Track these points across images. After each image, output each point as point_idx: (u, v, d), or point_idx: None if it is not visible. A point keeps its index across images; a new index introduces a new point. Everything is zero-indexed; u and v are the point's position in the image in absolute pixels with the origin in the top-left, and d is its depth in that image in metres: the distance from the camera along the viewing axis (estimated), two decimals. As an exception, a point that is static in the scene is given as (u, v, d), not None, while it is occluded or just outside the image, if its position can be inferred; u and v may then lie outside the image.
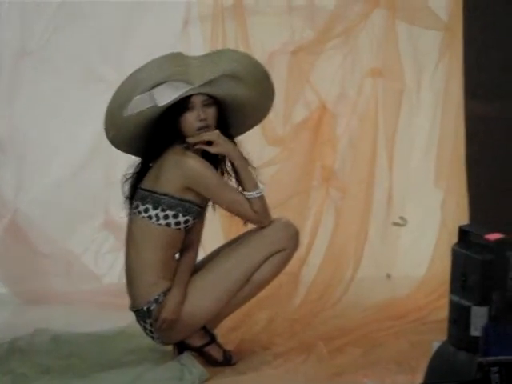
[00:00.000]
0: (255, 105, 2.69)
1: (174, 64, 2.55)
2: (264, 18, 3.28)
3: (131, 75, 2.55)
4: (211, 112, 2.61)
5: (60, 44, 3.35)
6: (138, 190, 2.65)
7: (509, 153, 3.39)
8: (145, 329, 2.67)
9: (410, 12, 3.31)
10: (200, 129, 2.59)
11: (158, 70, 2.54)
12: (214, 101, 2.61)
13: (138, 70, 2.54)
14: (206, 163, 2.61)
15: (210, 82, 2.58)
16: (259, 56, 3.12)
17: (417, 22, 3.30)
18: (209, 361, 2.70)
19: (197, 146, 2.61)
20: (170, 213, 2.60)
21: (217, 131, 2.61)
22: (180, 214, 2.61)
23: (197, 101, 2.58)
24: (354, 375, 2.60)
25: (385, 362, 2.69)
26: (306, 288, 3.21)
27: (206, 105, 2.60)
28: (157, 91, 2.55)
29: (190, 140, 2.60)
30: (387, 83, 3.32)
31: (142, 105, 2.56)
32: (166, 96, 2.55)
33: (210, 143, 2.62)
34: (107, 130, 2.61)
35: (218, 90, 2.60)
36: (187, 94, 2.56)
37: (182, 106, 2.58)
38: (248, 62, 2.62)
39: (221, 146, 2.61)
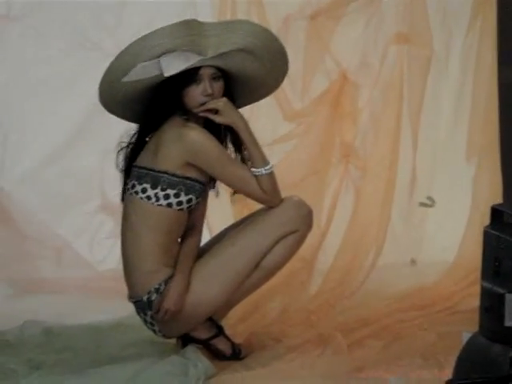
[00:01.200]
0: (266, 80, 2.65)
1: (186, 32, 2.50)
2: None
3: (138, 40, 2.50)
4: (218, 86, 2.57)
5: (48, 9, 3.33)
6: (132, 169, 2.61)
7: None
8: (145, 321, 2.65)
9: (439, -31, 3.28)
10: (204, 104, 2.55)
11: (169, 38, 2.49)
12: (223, 74, 2.57)
13: (146, 36, 2.49)
14: (209, 135, 2.57)
15: (222, 55, 2.54)
16: (273, 21, 3.12)
17: None
18: (216, 355, 2.68)
19: (201, 114, 2.56)
20: (170, 192, 2.56)
21: (224, 99, 2.56)
22: (182, 193, 2.56)
23: (205, 73, 2.55)
24: (376, 370, 2.57)
25: (409, 356, 2.66)
26: (323, 276, 3.19)
27: (214, 78, 2.56)
28: (164, 60, 2.51)
29: (195, 109, 2.55)
30: (414, 50, 3.28)
31: (146, 72, 2.52)
32: (173, 66, 2.50)
33: (215, 113, 2.57)
34: (101, 94, 2.57)
35: (229, 64, 2.57)
36: (198, 65, 2.52)
37: (188, 77, 2.53)
38: (266, 37, 2.58)
39: (227, 115, 2.56)
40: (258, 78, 2.62)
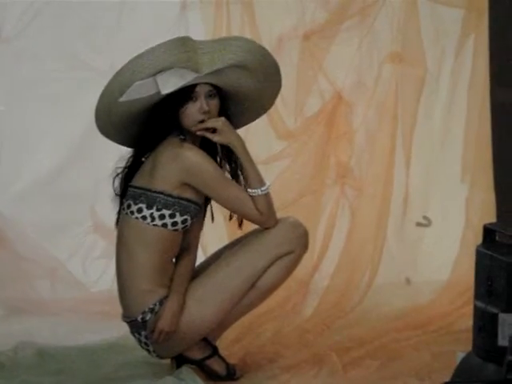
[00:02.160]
0: (259, 98, 2.66)
1: (181, 49, 2.52)
2: None
3: (134, 59, 2.51)
4: (214, 104, 2.58)
5: (41, 30, 3.32)
6: (128, 189, 2.62)
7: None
8: (139, 341, 2.64)
9: (432, -12, 3.30)
10: (201, 122, 2.56)
11: (164, 56, 2.50)
12: (218, 92, 2.58)
13: (143, 54, 2.51)
14: (206, 155, 2.58)
15: (217, 72, 2.55)
16: (267, 40, 3.13)
17: None
18: (210, 375, 2.68)
19: (199, 133, 2.57)
20: (166, 212, 2.56)
21: (223, 118, 2.58)
22: (177, 214, 2.57)
23: (201, 91, 2.56)
24: None
25: (404, 376, 2.66)
26: (319, 296, 3.19)
27: (210, 95, 2.57)
28: (161, 78, 2.51)
29: (194, 128, 2.56)
30: (407, 69, 3.29)
31: (142, 91, 2.52)
32: (170, 84, 2.51)
33: (213, 132, 2.58)
34: (97, 116, 2.57)
35: (224, 80, 2.58)
36: (194, 83, 2.54)
37: (184, 95, 2.54)
38: (260, 53, 2.60)
39: (225, 134, 2.57)
40: (252, 95, 2.63)
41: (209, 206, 2.71)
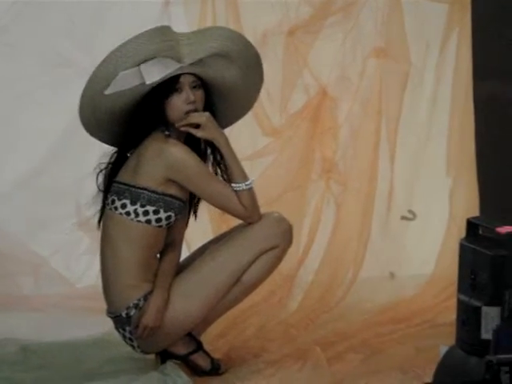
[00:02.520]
0: (243, 92, 2.66)
1: (163, 38, 2.51)
2: None
3: (117, 48, 2.50)
4: (199, 95, 2.58)
5: (22, 27, 3.30)
6: (113, 184, 2.61)
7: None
8: (124, 337, 2.64)
9: (415, -18, 3.30)
10: (188, 112, 2.56)
11: (147, 44, 2.49)
12: (202, 83, 2.58)
13: (124, 44, 2.50)
14: (190, 151, 2.58)
15: (199, 62, 2.55)
16: (251, 36, 3.09)
17: None
18: (195, 370, 2.68)
19: (183, 129, 2.57)
20: (150, 208, 2.56)
21: (207, 113, 2.57)
22: (161, 210, 2.57)
23: (185, 81, 2.55)
24: None
25: (388, 370, 2.67)
26: (303, 291, 3.19)
27: (194, 87, 2.57)
28: (144, 67, 2.51)
29: (177, 124, 2.56)
30: (391, 64, 3.30)
31: (127, 82, 2.51)
32: (154, 73, 2.51)
33: (197, 127, 2.57)
34: (82, 111, 2.56)
35: (207, 72, 2.58)
36: (177, 73, 2.53)
37: (169, 86, 2.54)
38: (241, 41, 2.60)
39: (209, 130, 2.57)
40: (236, 88, 2.63)
41: (194, 203, 2.70)
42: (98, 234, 2.67)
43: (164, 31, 2.52)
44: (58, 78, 3.29)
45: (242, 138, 3.06)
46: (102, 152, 2.65)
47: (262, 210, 2.64)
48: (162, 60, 2.52)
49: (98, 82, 2.52)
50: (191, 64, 2.55)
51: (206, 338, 2.76)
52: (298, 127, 3.29)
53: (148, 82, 2.51)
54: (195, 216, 2.72)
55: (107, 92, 2.52)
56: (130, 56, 2.50)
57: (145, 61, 2.51)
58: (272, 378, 2.65)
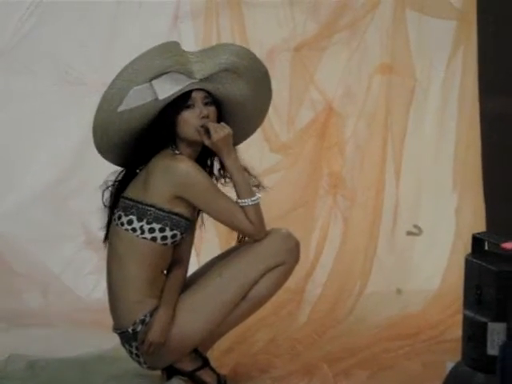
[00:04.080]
0: (252, 108, 2.67)
1: (173, 53, 2.52)
2: (262, 10, 3.27)
3: (127, 66, 2.51)
4: (212, 110, 2.59)
5: (34, 44, 3.33)
6: (120, 200, 2.61)
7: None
8: (130, 353, 2.64)
9: (420, 0, 3.29)
10: (202, 127, 2.56)
11: (158, 59, 2.51)
12: (213, 100, 2.59)
13: (135, 61, 2.51)
14: (198, 167, 2.58)
15: (210, 79, 2.57)
16: (258, 53, 3.09)
17: (428, 10, 3.29)
18: None
19: (195, 137, 2.56)
20: (156, 226, 2.56)
21: (230, 129, 2.55)
22: (167, 228, 2.57)
23: (197, 97, 2.57)
24: None
25: None
26: (311, 306, 3.19)
27: (206, 103, 2.58)
28: (157, 83, 2.52)
29: (193, 135, 2.55)
30: (397, 80, 3.30)
31: (140, 98, 2.52)
32: (166, 88, 2.52)
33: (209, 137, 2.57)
34: (95, 132, 2.56)
35: (218, 87, 2.59)
36: (189, 89, 2.55)
37: (182, 102, 2.55)
38: (249, 57, 2.62)
39: (221, 142, 2.55)
40: (245, 104, 2.64)
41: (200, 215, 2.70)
42: (105, 253, 2.67)
43: (173, 47, 2.53)
44: (70, 96, 3.32)
45: (249, 153, 3.06)
46: (112, 170, 2.66)
47: (270, 226, 2.64)
48: (173, 75, 2.53)
49: (111, 100, 2.52)
50: (202, 80, 2.56)
51: (213, 354, 2.76)
52: (305, 143, 3.30)
53: (161, 98, 2.52)
54: (201, 223, 2.70)
55: (120, 109, 2.52)
56: (141, 72, 2.51)
57: (156, 76, 2.52)
58: None
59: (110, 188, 2.64)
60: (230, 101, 2.63)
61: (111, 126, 2.55)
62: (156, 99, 2.53)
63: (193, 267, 2.76)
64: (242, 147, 2.86)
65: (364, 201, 3.29)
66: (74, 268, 3.40)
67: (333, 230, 3.31)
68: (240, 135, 2.69)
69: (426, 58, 3.35)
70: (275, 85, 2.74)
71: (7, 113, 3.39)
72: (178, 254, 2.66)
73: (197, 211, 2.65)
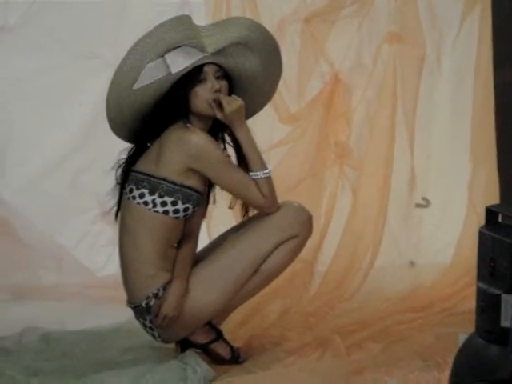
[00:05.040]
0: (263, 81, 2.67)
1: (185, 26, 2.52)
2: None
3: (139, 40, 2.51)
4: (224, 84, 2.59)
5: (44, 20, 3.33)
6: (131, 173, 2.61)
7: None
8: (144, 326, 2.65)
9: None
10: (214, 101, 2.56)
11: (170, 33, 2.50)
12: (224, 74, 2.59)
13: (148, 35, 2.50)
14: (211, 139, 2.59)
15: (222, 52, 2.56)
16: (268, 24, 3.09)
17: None
18: (215, 359, 2.69)
19: (207, 112, 2.56)
20: (168, 199, 2.57)
21: (242, 102, 2.55)
22: (179, 202, 2.57)
23: (209, 71, 2.57)
24: (375, 373, 2.58)
25: (408, 358, 2.67)
26: (321, 277, 3.19)
27: (218, 77, 2.58)
28: (170, 57, 2.52)
29: (205, 109, 2.55)
30: (406, 49, 3.29)
31: (154, 74, 2.52)
32: (179, 62, 2.52)
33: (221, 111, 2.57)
34: (109, 109, 2.56)
35: (229, 61, 2.59)
36: (201, 63, 2.54)
37: (194, 76, 2.55)
38: (260, 30, 2.62)
39: (233, 115, 2.55)
40: (256, 77, 2.64)
41: (212, 192, 2.71)
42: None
43: (185, 20, 2.53)
44: (83, 70, 3.32)
45: (259, 124, 3.06)
46: (125, 145, 2.66)
47: (280, 198, 2.64)
48: (186, 49, 2.52)
49: (125, 76, 2.52)
50: (214, 54, 2.56)
51: (227, 327, 2.77)
52: (312, 114, 3.29)
53: (174, 72, 2.52)
54: (214, 200, 2.71)
55: (136, 87, 2.52)
56: (153, 45, 2.50)
57: (168, 50, 2.51)
58: (292, 366, 2.66)
59: (121, 166, 2.64)
60: (240, 75, 2.62)
61: (125, 103, 2.55)
62: (169, 73, 2.53)
63: (204, 241, 2.77)
64: (251, 119, 2.86)
65: (373, 171, 3.28)
66: (87, 241, 3.41)
67: (341, 199, 3.31)
68: (250, 109, 2.68)
69: (436, 27, 3.33)
70: (285, 56, 2.73)
71: (20, 90, 3.39)
72: (188, 228, 2.67)
73: (207, 185, 2.65)
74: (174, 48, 2.52)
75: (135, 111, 2.58)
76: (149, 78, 2.52)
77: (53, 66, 3.36)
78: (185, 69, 2.54)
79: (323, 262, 3.23)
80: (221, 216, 3.04)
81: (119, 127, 2.61)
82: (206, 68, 2.56)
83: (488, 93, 3.32)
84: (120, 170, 2.64)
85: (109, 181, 2.68)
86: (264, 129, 3.25)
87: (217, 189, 2.70)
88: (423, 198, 3.42)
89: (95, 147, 3.36)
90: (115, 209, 2.66)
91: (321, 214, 3.25)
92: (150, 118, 2.59)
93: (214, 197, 2.72)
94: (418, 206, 3.41)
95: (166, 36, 2.50)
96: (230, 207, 2.69)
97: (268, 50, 2.63)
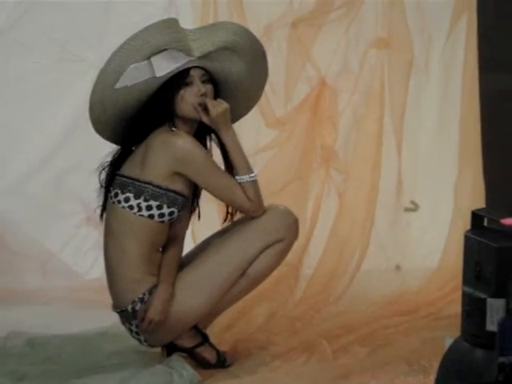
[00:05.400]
0: (248, 86, 2.68)
1: (171, 29, 2.53)
2: None
3: (125, 42, 2.51)
4: (210, 89, 2.60)
5: (32, 24, 3.35)
6: (116, 177, 2.62)
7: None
8: (130, 331, 2.66)
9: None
10: (200, 105, 2.57)
11: (157, 36, 2.51)
12: (210, 78, 2.60)
13: (134, 37, 2.51)
14: (197, 143, 2.59)
15: (208, 57, 2.57)
16: (255, 29, 3.11)
17: None
18: (201, 363, 2.69)
19: (193, 115, 2.57)
20: (153, 203, 2.57)
21: (227, 105, 2.56)
22: (164, 206, 2.58)
23: (195, 75, 2.58)
24: (361, 377, 2.60)
25: (394, 362, 2.69)
26: (307, 281, 3.21)
27: (203, 81, 2.59)
28: (155, 60, 2.52)
29: (190, 112, 2.56)
30: (394, 54, 3.31)
31: (138, 75, 2.52)
32: (164, 66, 2.53)
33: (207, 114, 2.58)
34: (92, 108, 2.57)
35: (216, 65, 2.60)
36: (187, 66, 2.55)
37: (180, 80, 2.55)
38: (247, 35, 2.63)
39: (218, 118, 2.56)
40: (242, 82, 2.65)
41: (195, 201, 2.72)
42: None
43: (172, 23, 2.53)
44: (67, 73, 3.34)
45: (245, 129, 3.08)
46: (109, 147, 2.66)
47: (266, 202, 2.65)
48: (171, 52, 2.53)
49: (109, 76, 2.53)
50: (200, 58, 2.56)
51: (213, 331, 2.78)
52: (299, 118, 3.31)
53: (158, 75, 2.53)
54: (199, 216, 2.74)
55: (118, 86, 2.52)
56: (139, 48, 2.51)
57: (154, 53, 2.52)
58: (278, 370, 2.66)
59: (106, 169, 2.64)
60: (226, 79, 2.63)
61: (108, 103, 2.55)
62: (154, 76, 2.53)
63: (189, 246, 2.77)
64: (237, 123, 2.87)
65: (360, 174, 3.31)
66: (73, 245, 3.42)
67: (327, 203, 3.33)
68: (236, 113, 2.69)
69: (425, 31, 3.35)
70: (272, 60, 2.75)
71: (5, 91, 3.40)
72: (173, 232, 2.67)
73: (192, 190, 2.65)
74: (160, 51, 2.52)
75: (118, 111, 2.58)
76: (131, 79, 2.53)
77: (38, 68, 3.38)
78: (170, 72, 2.54)
79: (309, 265, 3.24)
80: (205, 220, 3.04)
81: (103, 126, 2.61)
82: (192, 72, 2.57)
83: (475, 98, 3.35)
84: (104, 173, 2.64)
85: (93, 183, 2.69)
86: (250, 133, 3.27)
87: (202, 198, 2.71)
88: (412, 202, 3.45)
89: (79, 149, 3.37)
90: (99, 210, 2.66)
91: (306, 218, 3.26)
92: (135, 120, 2.60)
93: (199, 212, 2.73)
94: (407, 209, 3.43)
95: (152, 39, 2.51)
96: (224, 221, 2.70)
97: (254, 54, 2.65)
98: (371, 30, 3.31)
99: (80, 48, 3.34)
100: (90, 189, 2.73)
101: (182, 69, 2.55)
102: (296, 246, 2.75)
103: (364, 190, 3.29)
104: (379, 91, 3.30)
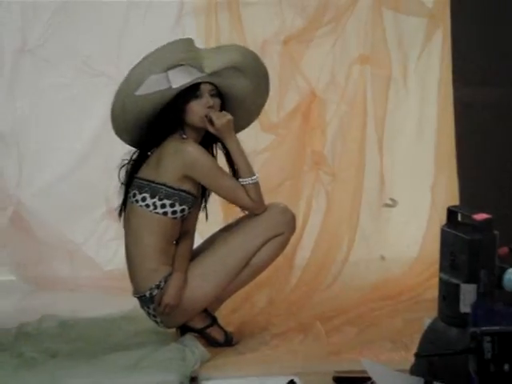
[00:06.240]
0: (252, 101, 2.78)
1: (188, 48, 2.64)
2: (256, 8, 3.36)
3: (147, 56, 2.62)
4: (217, 102, 2.69)
5: (58, 42, 3.42)
6: (134, 180, 2.72)
7: (497, 138, 3.44)
8: (148, 314, 2.75)
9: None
10: (207, 116, 2.67)
11: (175, 53, 2.62)
12: (218, 93, 2.71)
13: (155, 52, 2.61)
14: (205, 150, 2.70)
15: (217, 74, 2.67)
16: (252, 46, 3.16)
17: (402, 9, 3.37)
18: (210, 342, 2.78)
19: (201, 124, 2.68)
20: (167, 202, 2.67)
21: (231, 116, 2.67)
22: (177, 204, 2.68)
23: (205, 89, 2.67)
24: (351, 353, 2.67)
25: (380, 340, 2.76)
26: (301, 270, 3.25)
27: (212, 95, 2.68)
28: (172, 73, 2.63)
29: (199, 122, 2.66)
30: (375, 69, 3.38)
31: (156, 85, 2.62)
32: (179, 79, 2.63)
33: (212, 125, 2.68)
34: (113, 111, 2.66)
35: (224, 82, 2.69)
36: (199, 81, 2.65)
37: (191, 92, 2.65)
38: (252, 57, 2.74)
39: (223, 128, 2.66)
40: (246, 97, 2.75)
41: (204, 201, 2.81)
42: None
43: (189, 43, 2.65)
44: (89, 86, 3.42)
45: (244, 133, 3.16)
46: (127, 151, 2.77)
47: (264, 199, 2.74)
48: (186, 68, 2.64)
49: (130, 85, 2.63)
50: (210, 74, 2.67)
51: (221, 314, 2.85)
52: (291, 125, 3.37)
53: (174, 87, 2.63)
54: (206, 217, 2.83)
55: (138, 93, 2.63)
56: (158, 62, 2.62)
57: (171, 67, 2.63)
58: (278, 348, 2.74)
59: (125, 166, 2.74)
60: (232, 95, 2.73)
61: (128, 109, 2.65)
62: (169, 88, 2.65)
63: (197, 241, 2.86)
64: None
65: (346, 176, 3.35)
66: (97, 236, 3.48)
67: (317, 201, 3.38)
68: (238, 126, 2.77)
69: (402, 50, 3.43)
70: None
71: (36, 104, 3.47)
72: (185, 227, 2.78)
73: (201, 190, 2.76)
74: (177, 66, 2.64)
75: (136, 117, 2.68)
76: (150, 88, 2.63)
77: (64, 83, 3.46)
78: (184, 85, 2.65)
79: (303, 256, 3.29)
80: (211, 220, 3.13)
81: (122, 130, 2.72)
82: (202, 86, 2.68)
83: (449, 107, 3.41)
84: (123, 172, 2.73)
85: (114, 182, 2.79)
86: (249, 137, 3.36)
87: (210, 200, 2.82)
88: (390, 199, 3.49)
89: (101, 153, 3.43)
90: (120, 208, 2.76)
91: (299, 215, 3.30)
92: (151, 126, 2.70)
93: (206, 213, 2.82)
94: (385, 205, 3.48)
95: (171, 55, 2.62)
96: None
97: (258, 75, 2.75)
98: (355, 48, 3.38)
99: (101, 63, 3.41)
100: (111, 185, 2.80)
101: (193, 83, 2.66)
102: (291, 239, 2.83)
103: (350, 190, 3.34)
104: (362, 102, 3.36)
